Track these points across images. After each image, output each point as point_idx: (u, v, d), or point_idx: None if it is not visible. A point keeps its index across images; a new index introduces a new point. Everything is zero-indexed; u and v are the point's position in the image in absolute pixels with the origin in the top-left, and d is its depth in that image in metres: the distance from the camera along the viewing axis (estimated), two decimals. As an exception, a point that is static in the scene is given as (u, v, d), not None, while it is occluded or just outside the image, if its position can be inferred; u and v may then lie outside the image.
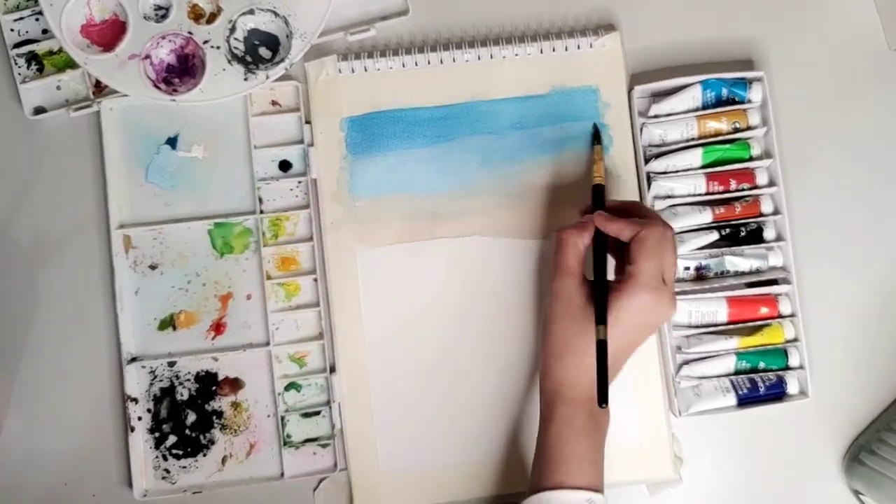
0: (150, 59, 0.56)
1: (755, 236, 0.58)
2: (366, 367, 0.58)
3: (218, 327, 0.58)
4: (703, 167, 0.59)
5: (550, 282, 0.52)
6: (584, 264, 0.52)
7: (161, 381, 0.58)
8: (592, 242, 0.52)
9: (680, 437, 0.58)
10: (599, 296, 0.50)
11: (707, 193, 0.58)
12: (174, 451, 0.58)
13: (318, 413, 0.58)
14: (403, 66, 0.59)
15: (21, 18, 0.59)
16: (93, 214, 0.59)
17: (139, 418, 0.58)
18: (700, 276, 0.58)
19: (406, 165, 0.59)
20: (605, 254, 0.52)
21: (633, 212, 0.53)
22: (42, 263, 0.59)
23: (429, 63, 0.59)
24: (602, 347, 0.48)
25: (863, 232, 0.60)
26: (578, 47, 0.59)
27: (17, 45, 0.59)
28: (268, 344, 0.58)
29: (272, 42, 0.58)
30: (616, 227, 0.51)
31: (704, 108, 0.59)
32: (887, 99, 0.61)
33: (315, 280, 0.58)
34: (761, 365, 0.58)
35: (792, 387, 0.57)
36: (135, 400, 0.58)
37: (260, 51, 0.58)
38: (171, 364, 0.58)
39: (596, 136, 0.58)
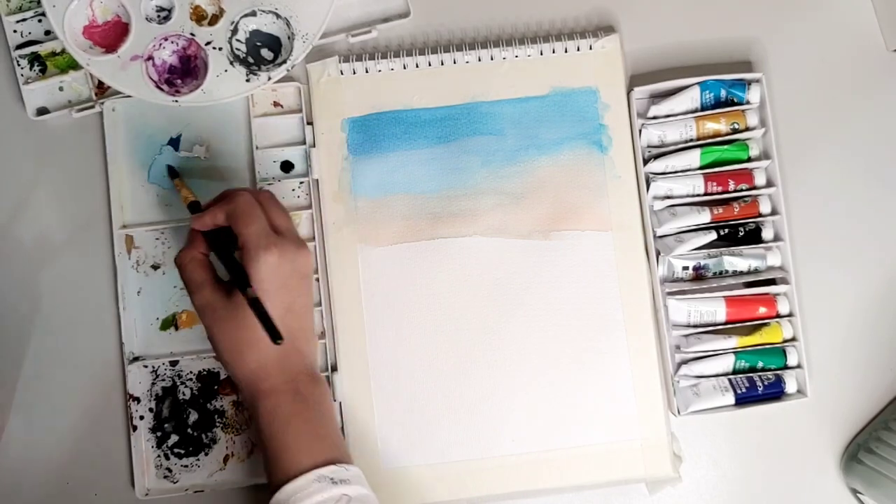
0: (152, 60, 0.56)
1: (753, 236, 0.59)
2: (367, 367, 0.58)
3: (220, 327, 0.59)
4: (702, 168, 0.59)
5: (192, 304, 0.51)
6: (211, 272, 0.52)
7: (163, 380, 0.58)
8: (212, 247, 0.52)
9: (679, 436, 0.59)
10: (235, 270, 0.49)
11: (706, 194, 0.59)
12: (176, 451, 0.58)
13: (319, 412, 0.58)
14: (404, 67, 0.59)
15: (24, 20, 0.59)
16: (95, 215, 0.59)
17: (141, 417, 0.58)
18: (699, 275, 0.59)
19: (407, 166, 0.59)
20: (226, 246, 0.51)
21: (223, 197, 0.52)
22: (45, 263, 0.59)
23: (430, 64, 0.59)
24: (256, 303, 0.47)
25: (861, 232, 0.61)
26: (578, 49, 0.60)
27: (20, 47, 0.59)
28: (269, 343, 0.58)
29: (274, 43, 0.58)
30: (209, 217, 0.51)
31: (703, 109, 0.59)
32: (885, 100, 0.62)
33: (317, 280, 0.59)
34: (760, 364, 0.58)
35: (790, 386, 0.57)
36: (137, 399, 0.58)
37: (262, 52, 0.58)
38: (173, 363, 0.58)
39: (172, 174, 0.58)
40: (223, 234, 0.52)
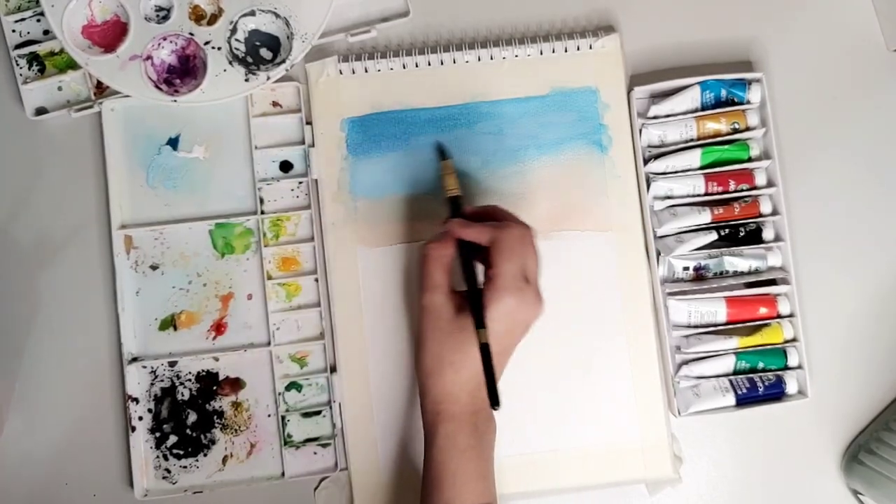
0: (151, 59, 0.56)
1: (754, 237, 0.58)
2: (366, 367, 0.58)
3: (219, 327, 0.58)
4: (703, 168, 0.59)
5: (419, 298, 0.51)
6: (450, 276, 0.51)
7: (162, 381, 0.58)
8: (458, 252, 0.52)
9: (679, 436, 0.59)
10: (474, 301, 0.49)
11: (706, 194, 0.58)
12: (175, 451, 0.58)
13: (318, 413, 0.58)
14: (404, 67, 0.59)
15: (23, 19, 0.59)
16: (94, 215, 0.59)
17: (140, 418, 0.58)
18: (699, 276, 0.59)
19: (406, 166, 0.59)
20: (472, 260, 0.51)
21: (492, 215, 0.53)
22: (43, 264, 0.59)
23: (429, 64, 0.59)
24: (486, 350, 0.48)
25: (862, 232, 0.61)
26: (578, 48, 0.60)
27: (19, 46, 0.59)
28: (268, 344, 0.58)
29: (273, 43, 0.58)
30: (473, 233, 0.50)
31: (703, 108, 0.59)
32: (886, 99, 0.61)
33: (316, 280, 0.59)
34: (760, 365, 0.58)
35: (791, 387, 0.57)
36: (136, 400, 0.58)
37: (261, 52, 0.58)
38: (172, 364, 0.58)
39: (441, 153, 0.56)
40: (476, 249, 0.51)
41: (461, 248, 0.52)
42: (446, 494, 0.48)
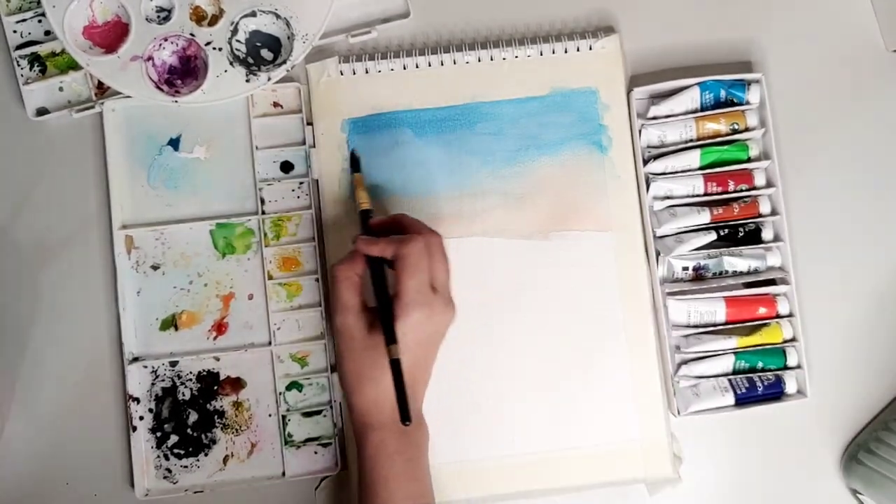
0: (152, 60, 0.56)
1: (753, 237, 0.59)
2: (367, 367, 0.58)
3: (220, 327, 0.59)
4: (702, 168, 0.59)
5: (331, 319, 0.52)
6: (361, 294, 0.52)
7: (163, 380, 0.58)
8: (369, 267, 0.52)
9: (679, 436, 0.59)
10: (385, 317, 0.50)
11: (705, 194, 0.59)
12: (176, 451, 0.58)
13: (319, 412, 0.58)
14: (404, 67, 0.59)
15: (24, 20, 0.59)
16: (95, 215, 0.59)
17: (141, 418, 0.58)
18: (698, 276, 0.59)
19: (407, 167, 0.59)
20: (383, 275, 0.51)
21: (400, 225, 0.53)
22: (44, 264, 0.59)
23: (429, 65, 0.59)
24: (396, 366, 0.48)
25: (861, 232, 0.61)
26: (578, 49, 0.60)
27: (20, 47, 0.59)
28: (269, 344, 0.58)
29: (274, 44, 0.58)
30: (378, 249, 0.51)
31: (703, 109, 0.59)
32: (885, 100, 0.62)
33: (317, 280, 0.59)
34: (760, 365, 0.58)
35: (790, 386, 0.57)
36: (136, 400, 0.58)
37: (262, 52, 0.58)
38: (173, 364, 0.58)
39: (354, 165, 0.57)
40: (384, 264, 0.52)
41: (371, 262, 0.52)
42: (380, 498, 0.49)
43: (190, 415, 0.58)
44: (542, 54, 0.60)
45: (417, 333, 0.50)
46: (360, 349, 0.50)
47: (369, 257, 0.52)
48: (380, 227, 0.54)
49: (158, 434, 0.58)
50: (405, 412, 0.48)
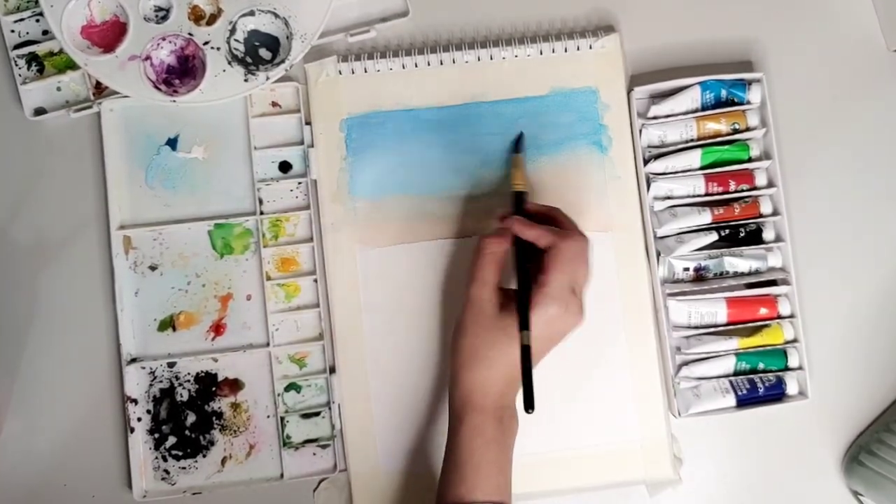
0: (150, 60, 0.56)
1: (754, 237, 0.58)
2: (365, 368, 0.58)
3: (218, 328, 0.58)
4: (703, 168, 0.59)
5: (465, 289, 0.52)
6: (500, 273, 0.52)
7: (161, 381, 0.58)
8: (513, 249, 0.52)
9: (679, 437, 0.59)
10: (522, 301, 0.49)
11: (706, 194, 0.58)
12: (174, 452, 0.58)
13: (317, 414, 0.58)
14: (403, 67, 0.59)
15: (22, 20, 0.59)
16: (93, 215, 0.59)
17: (139, 419, 0.58)
18: (699, 276, 0.59)
19: (406, 166, 0.59)
20: (527, 259, 0.51)
21: (553, 219, 0.53)
22: (42, 264, 0.59)
23: (429, 64, 0.59)
24: (526, 352, 0.48)
25: (862, 233, 0.60)
26: (578, 48, 0.59)
27: (18, 46, 0.59)
28: (268, 345, 0.58)
29: (272, 43, 0.58)
30: (534, 234, 0.51)
31: (704, 109, 0.59)
32: (886, 100, 0.61)
33: (315, 281, 0.58)
34: (761, 366, 0.58)
35: (791, 387, 0.57)
36: (134, 401, 0.58)
37: (260, 52, 0.58)
38: (171, 365, 0.58)
39: (517, 145, 0.58)
40: (532, 249, 0.51)
41: (517, 246, 0.52)
42: (468, 483, 0.49)
43: (188, 416, 0.58)
44: (541, 54, 0.59)
45: (547, 329, 0.50)
46: (486, 326, 0.50)
47: (517, 240, 0.52)
48: (534, 214, 0.53)
49: (156, 435, 0.58)
50: (530, 399, 0.47)
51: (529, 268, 0.51)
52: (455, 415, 0.51)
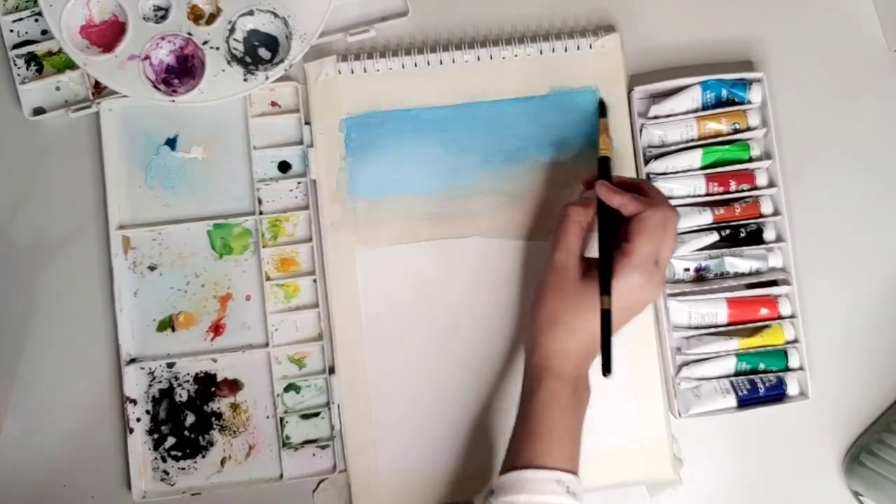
0: (149, 59, 0.56)
1: (755, 237, 0.58)
2: (365, 369, 0.58)
3: (217, 328, 0.58)
4: (703, 168, 0.59)
5: (549, 254, 0.52)
6: (583, 241, 0.52)
7: (160, 382, 0.58)
8: (597, 215, 0.52)
9: (680, 438, 0.58)
10: (604, 267, 0.49)
11: (707, 194, 0.58)
12: (173, 453, 0.58)
13: (317, 414, 0.58)
14: (403, 66, 0.59)
15: (20, 19, 0.59)
16: (92, 215, 0.59)
17: (138, 420, 0.58)
18: (700, 277, 0.58)
19: (406, 166, 0.59)
20: (610, 226, 0.51)
21: (640, 189, 0.52)
22: (41, 264, 0.59)
23: (428, 64, 0.59)
24: (606, 316, 0.48)
25: (863, 233, 0.60)
26: (578, 48, 0.59)
27: (17, 46, 0.59)
28: (267, 345, 0.58)
29: (272, 43, 0.58)
30: (620, 201, 0.51)
31: (704, 108, 0.59)
32: (887, 100, 0.61)
33: (314, 281, 0.58)
34: (761, 366, 0.58)
35: (792, 388, 0.57)
36: (133, 401, 0.58)
37: (259, 52, 0.58)
38: (170, 365, 0.58)
39: (602, 110, 0.58)
40: (617, 217, 0.51)
41: (600, 212, 0.52)
42: (541, 447, 0.48)
43: (187, 416, 0.58)
44: (541, 53, 0.59)
45: (628, 298, 0.49)
46: (568, 292, 0.50)
47: (601, 206, 0.52)
48: (620, 185, 0.53)
49: (155, 436, 0.58)
50: (608, 363, 0.47)
51: (613, 236, 0.51)
52: (531, 380, 0.50)
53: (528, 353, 0.51)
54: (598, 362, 0.49)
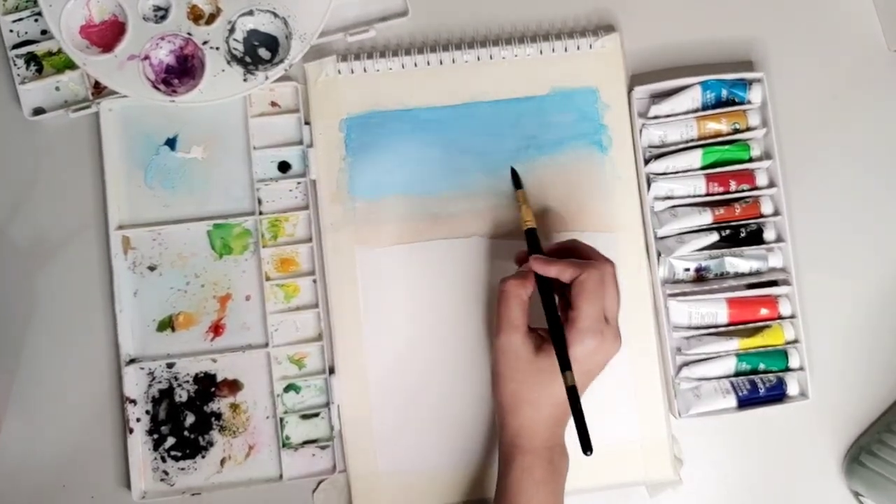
0: (149, 59, 0.56)
1: (755, 237, 0.58)
2: (365, 369, 0.58)
3: (217, 328, 0.58)
4: (703, 168, 0.59)
5: (494, 337, 0.51)
6: (527, 315, 0.51)
7: (160, 382, 0.58)
8: (538, 288, 0.51)
9: (680, 438, 0.58)
10: (558, 342, 0.48)
11: (707, 194, 0.58)
12: (173, 453, 0.58)
13: (317, 414, 0.58)
14: (403, 66, 0.59)
15: (20, 19, 0.59)
16: (92, 215, 0.59)
17: (138, 420, 0.58)
18: (700, 277, 0.58)
19: (405, 166, 0.59)
20: (553, 298, 0.51)
21: (572, 250, 0.52)
22: (41, 264, 0.59)
23: (428, 64, 0.59)
24: (574, 393, 0.47)
25: (863, 233, 0.60)
26: (578, 48, 0.59)
27: (17, 46, 0.59)
28: (267, 345, 0.58)
29: (271, 43, 0.58)
30: (556, 270, 0.50)
31: (704, 108, 0.59)
32: (887, 100, 0.61)
33: (314, 281, 0.58)
34: (761, 366, 0.57)
35: (792, 388, 0.57)
36: (133, 401, 0.58)
37: (259, 52, 0.58)
38: (170, 365, 0.58)
39: (515, 181, 0.57)
40: (554, 284, 0.51)
41: (540, 284, 0.51)
42: None
43: (187, 417, 0.58)
44: (542, 53, 0.59)
45: (586, 363, 0.49)
46: (525, 370, 0.49)
47: (539, 278, 0.51)
48: (552, 252, 0.52)
49: (155, 436, 0.58)
50: (586, 441, 0.46)
51: (559, 301, 0.51)
52: (504, 458, 0.51)
53: (498, 432, 0.51)
54: (575, 438, 0.47)
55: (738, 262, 0.58)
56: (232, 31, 0.56)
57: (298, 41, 0.56)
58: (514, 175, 0.58)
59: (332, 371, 0.58)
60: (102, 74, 0.56)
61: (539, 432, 0.50)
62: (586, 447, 0.46)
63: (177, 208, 0.59)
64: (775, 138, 0.58)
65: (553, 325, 0.49)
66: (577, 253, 0.52)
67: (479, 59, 0.59)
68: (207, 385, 0.58)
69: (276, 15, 0.56)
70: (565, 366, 0.48)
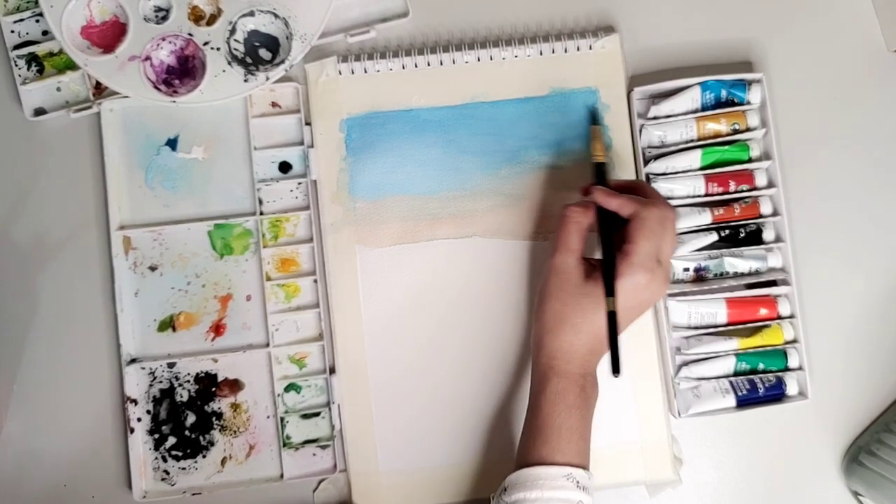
0: (150, 60, 0.56)
1: (754, 237, 0.58)
2: (365, 369, 0.58)
3: (217, 328, 0.58)
4: (703, 168, 0.59)
5: (550, 257, 0.52)
6: (584, 243, 0.52)
7: (160, 382, 0.58)
8: (597, 219, 0.52)
9: (679, 438, 0.58)
10: (608, 269, 0.50)
11: (706, 195, 0.58)
12: (174, 453, 0.58)
13: (317, 414, 0.58)
14: (403, 67, 0.59)
15: (21, 20, 0.59)
16: (93, 216, 0.59)
17: (139, 419, 0.58)
18: (699, 277, 0.58)
19: (406, 167, 0.59)
20: (611, 229, 0.52)
21: (637, 190, 0.53)
22: (42, 265, 0.59)
23: (428, 64, 0.59)
24: (613, 318, 0.49)
25: (862, 233, 0.60)
26: (578, 49, 0.59)
27: (18, 47, 0.59)
28: (267, 345, 0.58)
29: (272, 44, 0.58)
30: (617, 203, 0.51)
31: (704, 109, 0.59)
32: (886, 100, 0.61)
33: (315, 281, 0.58)
34: (761, 366, 0.58)
35: (791, 388, 0.57)
36: (134, 401, 0.58)
37: (260, 52, 0.58)
38: (171, 365, 0.58)
39: (593, 118, 0.59)
40: (614, 220, 0.52)
41: (600, 216, 0.52)
42: (550, 445, 0.49)
43: (188, 416, 0.58)
44: (541, 54, 0.59)
45: (633, 297, 0.50)
46: (572, 293, 0.50)
47: (599, 211, 0.52)
48: (617, 187, 0.53)
49: (156, 436, 0.58)
50: (617, 364, 0.49)
51: (614, 237, 0.51)
52: (538, 379, 0.51)
53: (535, 353, 0.52)
54: (606, 361, 0.50)
55: (738, 262, 0.58)
56: (233, 31, 0.56)
57: (299, 42, 0.56)
58: (593, 113, 0.59)
59: (332, 371, 0.58)
60: (103, 75, 0.56)
61: (576, 357, 0.50)
62: (616, 369, 0.49)
63: (177, 208, 0.59)
64: (774, 139, 0.58)
65: (606, 252, 0.51)
66: (641, 192, 0.53)
67: (479, 59, 0.59)
68: (208, 385, 0.58)
69: (276, 16, 0.56)
70: (610, 291, 0.49)
